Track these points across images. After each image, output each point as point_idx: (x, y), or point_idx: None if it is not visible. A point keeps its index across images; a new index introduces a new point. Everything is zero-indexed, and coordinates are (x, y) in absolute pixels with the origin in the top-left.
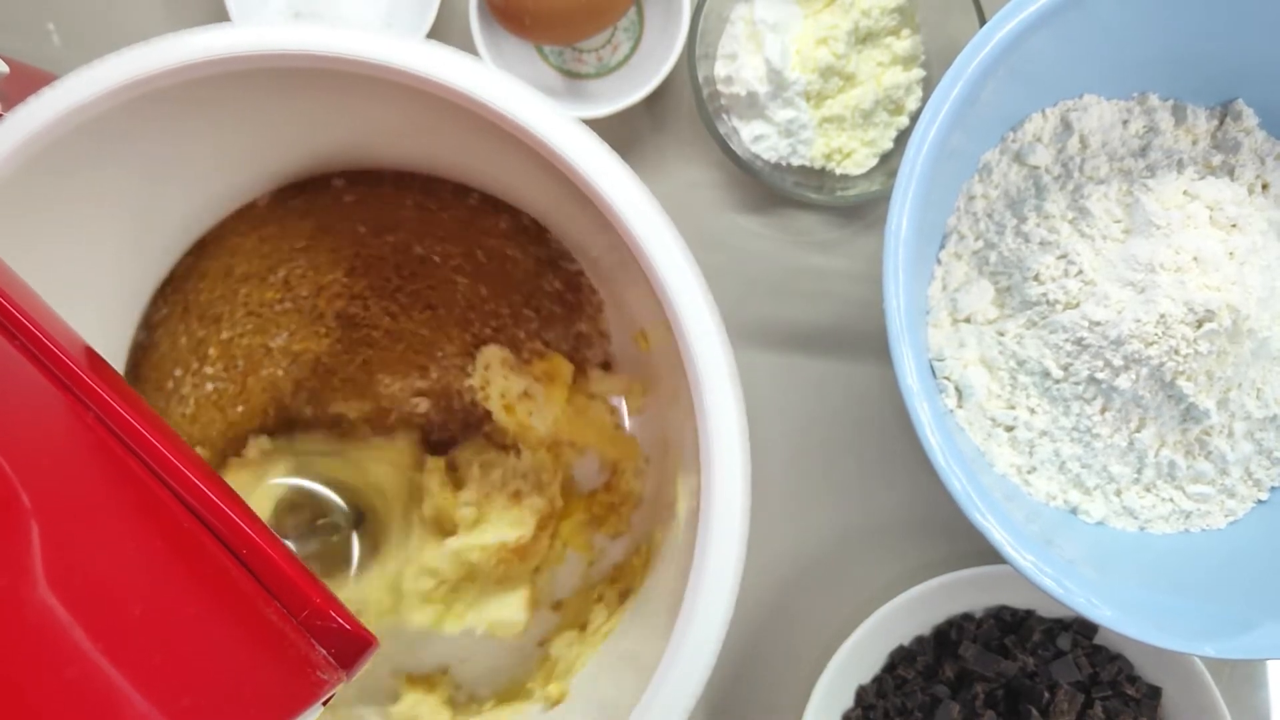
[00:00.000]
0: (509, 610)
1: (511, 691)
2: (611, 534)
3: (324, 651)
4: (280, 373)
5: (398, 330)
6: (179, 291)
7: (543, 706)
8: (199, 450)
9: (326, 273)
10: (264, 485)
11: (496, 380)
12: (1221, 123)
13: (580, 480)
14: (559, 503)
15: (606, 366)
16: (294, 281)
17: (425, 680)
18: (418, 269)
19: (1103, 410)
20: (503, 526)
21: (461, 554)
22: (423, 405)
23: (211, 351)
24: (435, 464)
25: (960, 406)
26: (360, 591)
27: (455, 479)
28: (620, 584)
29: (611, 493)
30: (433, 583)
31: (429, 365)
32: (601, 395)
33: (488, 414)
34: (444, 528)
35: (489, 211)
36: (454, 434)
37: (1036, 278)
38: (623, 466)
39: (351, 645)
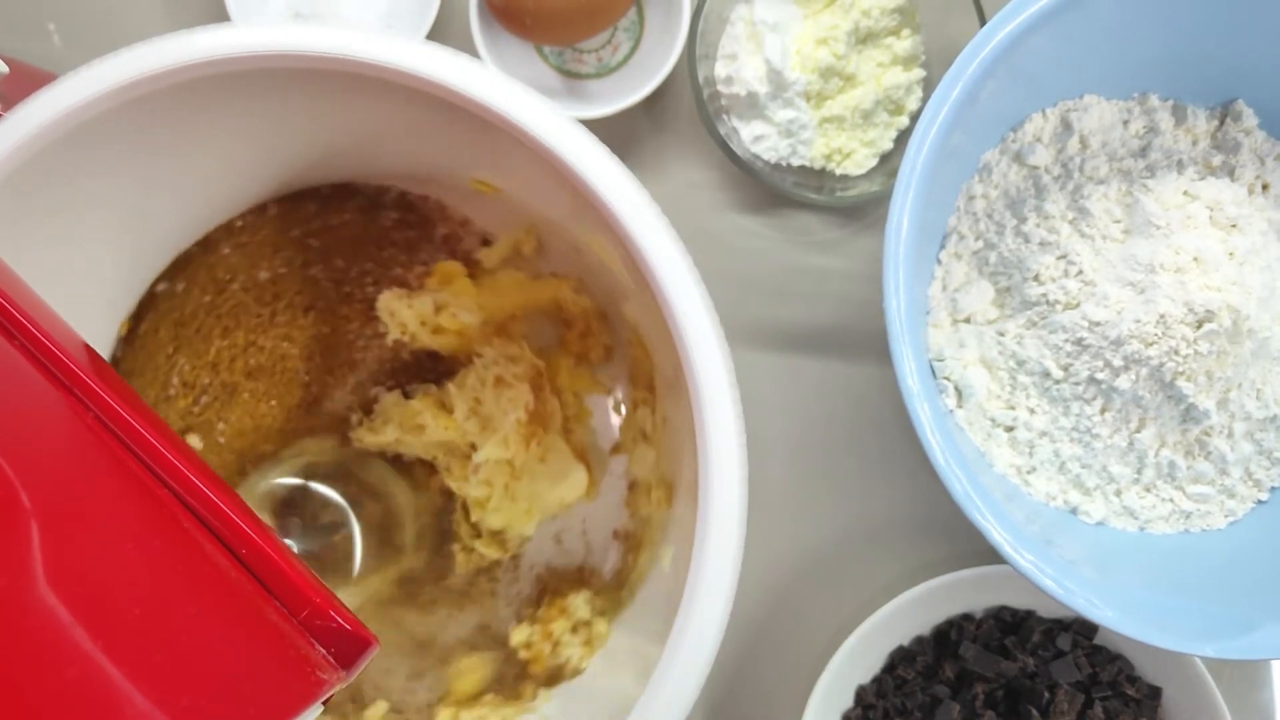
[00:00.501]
0: (568, 478)
1: (638, 536)
2: (602, 357)
3: (324, 651)
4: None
5: (302, 348)
6: None
7: (662, 514)
8: None
9: (206, 352)
10: (264, 485)
11: (405, 315)
12: (1221, 123)
13: (544, 341)
14: (540, 362)
15: (487, 243)
16: (189, 378)
17: (571, 585)
18: (274, 289)
19: (1103, 410)
20: (505, 409)
21: (492, 457)
22: (382, 394)
23: None
24: (422, 404)
25: (960, 407)
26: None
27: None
28: (641, 380)
29: (574, 327)
30: (489, 499)
31: (352, 353)
32: (499, 267)
33: (430, 352)
34: (463, 453)
35: (290, 208)
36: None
37: (1036, 278)
38: (563, 300)
39: (351, 645)
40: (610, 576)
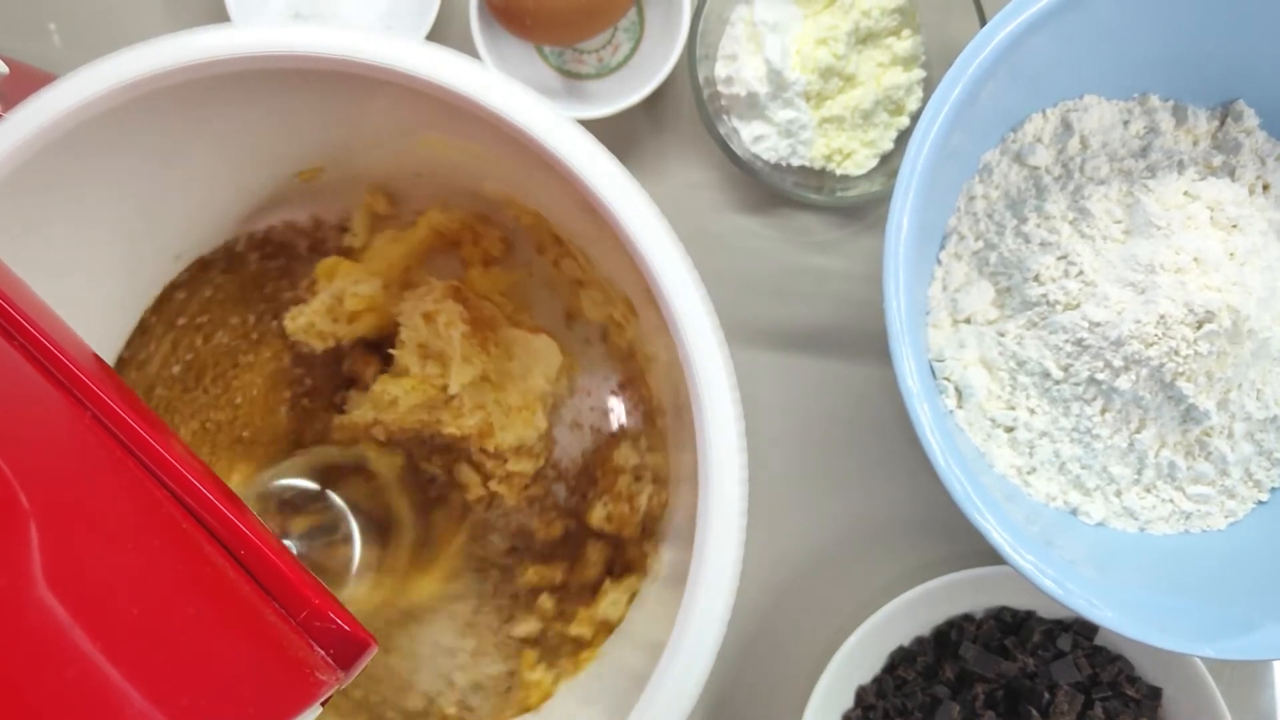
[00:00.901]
0: (540, 353)
1: (635, 366)
2: (504, 249)
3: (322, 652)
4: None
5: (251, 403)
6: None
7: (634, 327)
8: None
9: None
10: (263, 487)
11: (315, 321)
12: (1222, 123)
13: (449, 268)
14: (451, 282)
15: (345, 228)
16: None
17: (610, 450)
18: (194, 373)
19: (1103, 411)
20: (447, 334)
21: (465, 379)
22: (347, 397)
23: None
24: (381, 384)
25: (960, 407)
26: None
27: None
28: (547, 240)
29: (463, 241)
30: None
31: (299, 383)
32: (369, 239)
33: (365, 343)
34: (443, 399)
35: (163, 308)
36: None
37: (1037, 278)
38: (438, 226)
39: (350, 646)
40: (639, 421)
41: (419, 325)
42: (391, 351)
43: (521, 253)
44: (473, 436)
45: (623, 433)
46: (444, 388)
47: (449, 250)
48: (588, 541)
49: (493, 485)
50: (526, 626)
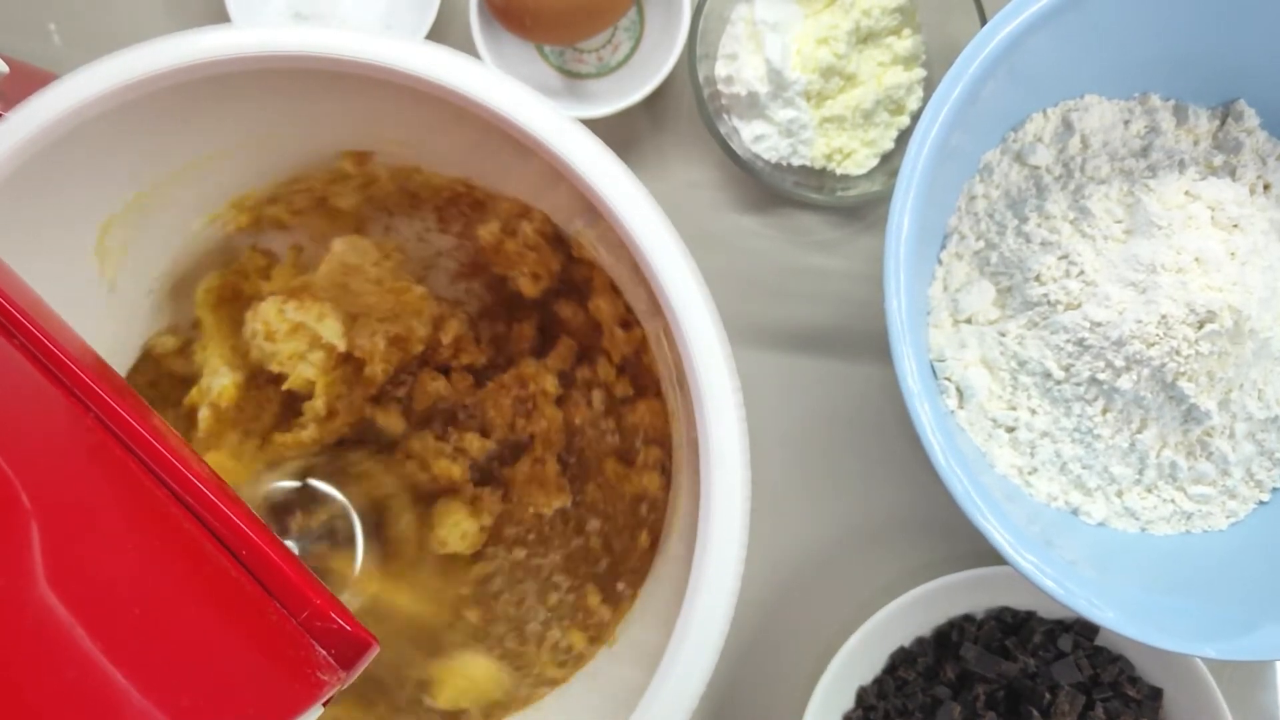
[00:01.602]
0: (348, 257)
1: (395, 184)
2: (263, 260)
3: (324, 652)
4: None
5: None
6: None
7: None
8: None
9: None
10: (263, 487)
11: (218, 418)
12: (1223, 123)
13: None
14: (245, 291)
15: (180, 383)
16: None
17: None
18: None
19: (1104, 411)
20: (284, 320)
21: (339, 329)
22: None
23: None
24: (308, 408)
25: (961, 407)
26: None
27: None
28: (271, 205)
29: (237, 286)
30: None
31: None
32: (191, 366)
33: (272, 393)
34: (343, 366)
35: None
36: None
37: (1038, 278)
38: (208, 301)
39: (352, 646)
40: (468, 210)
41: (273, 347)
42: (288, 388)
43: (276, 242)
44: (404, 360)
45: (473, 227)
46: (341, 356)
47: (238, 302)
48: (554, 307)
49: (460, 361)
50: (596, 407)
